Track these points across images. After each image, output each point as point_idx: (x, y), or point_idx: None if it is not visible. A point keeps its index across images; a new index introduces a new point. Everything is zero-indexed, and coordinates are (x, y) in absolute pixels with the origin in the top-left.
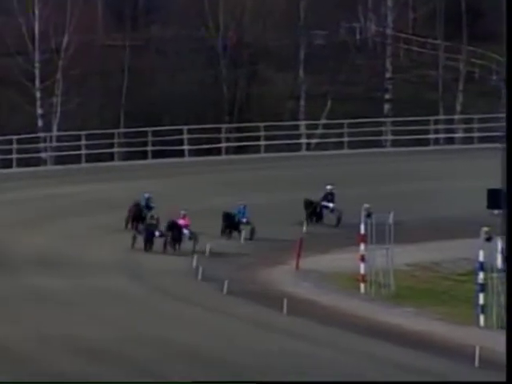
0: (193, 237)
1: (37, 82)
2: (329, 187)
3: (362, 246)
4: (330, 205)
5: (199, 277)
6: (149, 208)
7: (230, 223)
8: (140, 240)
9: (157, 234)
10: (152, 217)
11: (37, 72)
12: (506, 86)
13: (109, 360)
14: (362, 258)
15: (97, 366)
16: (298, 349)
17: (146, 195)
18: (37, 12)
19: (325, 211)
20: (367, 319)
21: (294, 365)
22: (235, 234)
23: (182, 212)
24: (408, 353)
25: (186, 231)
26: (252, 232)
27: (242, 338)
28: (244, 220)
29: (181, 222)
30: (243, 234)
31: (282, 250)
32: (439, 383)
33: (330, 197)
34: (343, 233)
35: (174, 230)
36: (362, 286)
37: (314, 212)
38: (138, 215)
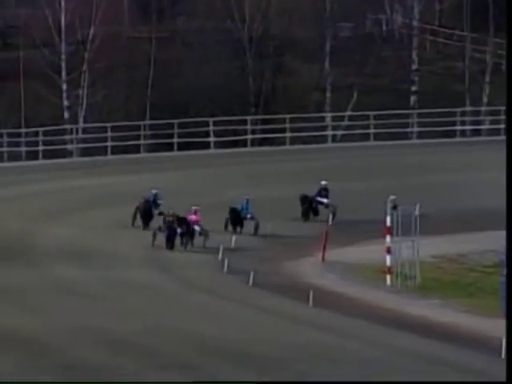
0: (203, 233)
1: (63, 74)
2: (323, 182)
3: (388, 238)
4: (325, 200)
5: (225, 269)
6: (156, 204)
7: (235, 218)
8: (159, 237)
9: (179, 231)
10: (161, 213)
11: (63, 64)
12: (507, 83)
13: (134, 352)
14: (388, 250)
15: (123, 358)
16: (324, 341)
17: (154, 191)
18: (63, 4)
19: (320, 207)
20: (393, 311)
21: (320, 357)
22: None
23: (194, 208)
24: (434, 345)
25: (196, 227)
26: (256, 227)
27: (267, 330)
28: (248, 216)
29: (192, 217)
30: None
31: (304, 243)
32: (441, 383)
33: (324, 192)
34: (366, 226)
35: (182, 225)
36: (388, 277)
37: (310, 207)
38: (148, 212)
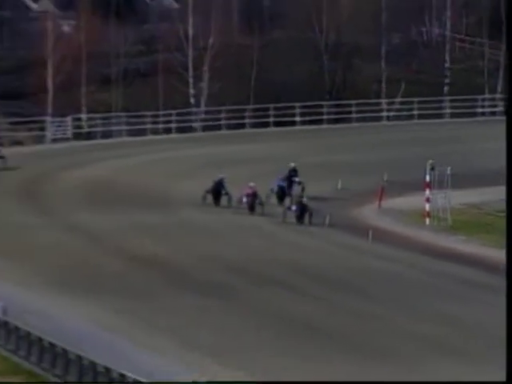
0: (262, 203)
1: (190, 71)
2: (292, 164)
3: (427, 191)
4: (297, 179)
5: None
6: (222, 186)
7: (217, 193)
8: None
9: (293, 208)
10: (227, 193)
11: (190, 64)
12: (507, 86)
13: (247, 275)
14: (427, 200)
15: (238, 279)
16: (378, 266)
17: (220, 176)
18: (190, 20)
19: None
20: (431, 244)
21: (376, 278)
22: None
23: (251, 184)
24: (460, 268)
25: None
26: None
27: (338, 259)
28: (223, 192)
29: (249, 191)
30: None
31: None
32: (446, 383)
33: (293, 173)
34: (411, 182)
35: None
36: (427, 220)
37: (290, 186)
38: (219, 192)
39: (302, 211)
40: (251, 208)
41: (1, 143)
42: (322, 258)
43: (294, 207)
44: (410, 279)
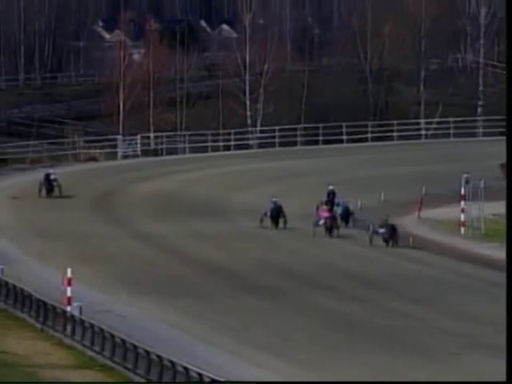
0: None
1: (247, 95)
2: (330, 187)
3: (462, 203)
4: (335, 200)
5: (350, 224)
6: (281, 211)
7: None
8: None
9: (381, 231)
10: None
11: (247, 88)
12: (506, 88)
13: (295, 278)
14: (462, 210)
15: (283, 281)
16: (420, 270)
17: (274, 199)
18: (247, 48)
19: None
20: (466, 251)
21: (418, 280)
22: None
23: (324, 206)
24: (492, 273)
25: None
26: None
27: (382, 264)
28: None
29: (325, 213)
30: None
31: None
32: (447, 383)
33: (331, 195)
34: (448, 195)
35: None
36: (462, 229)
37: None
38: (278, 214)
39: (392, 233)
40: (329, 230)
41: (55, 178)
42: (367, 263)
43: (381, 230)
44: (447, 282)
